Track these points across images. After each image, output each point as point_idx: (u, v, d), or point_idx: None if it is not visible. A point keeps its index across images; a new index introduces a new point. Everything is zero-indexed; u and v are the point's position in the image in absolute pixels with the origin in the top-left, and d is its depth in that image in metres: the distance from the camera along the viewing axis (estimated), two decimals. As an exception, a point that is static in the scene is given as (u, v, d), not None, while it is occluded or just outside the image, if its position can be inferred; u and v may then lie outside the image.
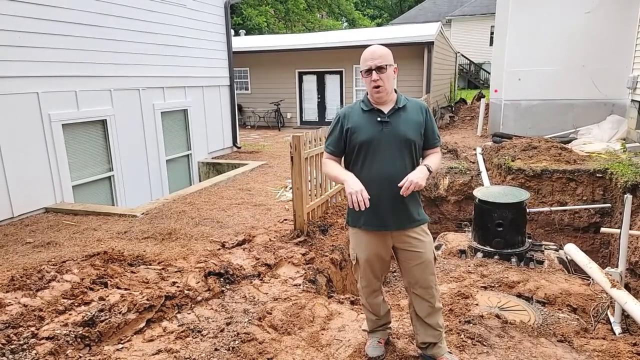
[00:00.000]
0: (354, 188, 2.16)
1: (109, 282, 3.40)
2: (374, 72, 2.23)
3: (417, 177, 2.17)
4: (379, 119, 2.30)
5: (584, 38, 9.38)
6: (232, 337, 2.83)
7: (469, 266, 4.52)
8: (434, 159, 2.37)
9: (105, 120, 6.89)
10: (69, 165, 6.24)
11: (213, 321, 3.03)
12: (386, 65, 2.24)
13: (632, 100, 8.34)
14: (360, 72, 2.33)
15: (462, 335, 2.80)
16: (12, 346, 2.56)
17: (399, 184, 2.17)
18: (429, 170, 2.25)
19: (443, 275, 4.31)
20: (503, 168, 7.33)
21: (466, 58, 24.59)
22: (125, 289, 3.32)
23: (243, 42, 15.64)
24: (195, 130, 9.16)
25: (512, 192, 5.13)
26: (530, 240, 5.07)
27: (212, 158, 9.69)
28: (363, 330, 2.78)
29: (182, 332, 2.88)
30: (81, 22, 6.34)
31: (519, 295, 3.81)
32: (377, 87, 2.25)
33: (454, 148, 9.09)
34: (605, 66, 9.32)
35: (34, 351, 2.54)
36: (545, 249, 5.04)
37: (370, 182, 2.29)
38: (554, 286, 3.96)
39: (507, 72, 10.24)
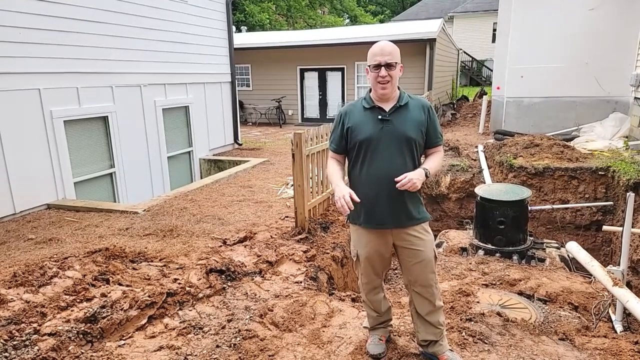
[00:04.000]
0: (339, 194, 2.20)
1: (110, 278, 3.41)
2: (382, 68, 2.21)
3: (415, 177, 2.16)
4: (379, 117, 2.29)
5: (587, 35, 9.32)
6: (233, 333, 2.84)
7: (470, 264, 4.52)
8: (434, 161, 2.35)
9: (107, 116, 6.89)
10: (70, 161, 6.25)
11: (214, 318, 3.04)
12: (395, 63, 2.23)
13: (635, 98, 8.29)
14: (368, 66, 2.30)
15: (464, 333, 2.80)
16: (15, 342, 2.57)
17: (396, 178, 2.17)
18: (426, 174, 2.23)
19: (444, 273, 4.31)
20: (505, 166, 7.31)
21: (468, 55, 24.48)
22: (127, 286, 3.33)
23: (244, 39, 15.61)
24: (197, 127, 9.16)
25: (514, 190, 5.12)
26: (531, 238, 5.06)
27: (214, 155, 9.69)
28: (364, 327, 2.79)
29: (183, 328, 2.88)
30: (82, 19, 6.33)
31: (520, 293, 3.81)
32: (384, 83, 2.23)
33: (456, 145, 9.08)
34: (609, 64, 9.27)
35: (36, 347, 2.55)
36: (547, 246, 5.03)
37: (370, 180, 2.29)
38: (555, 284, 3.96)
39: (510, 69, 10.20)
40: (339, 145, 2.40)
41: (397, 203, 2.28)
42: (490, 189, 5.27)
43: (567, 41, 9.51)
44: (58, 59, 6.01)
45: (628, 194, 3.77)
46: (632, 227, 4.24)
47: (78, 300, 3.04)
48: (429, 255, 2.33)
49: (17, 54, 5.47)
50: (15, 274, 3.37)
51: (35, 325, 2.74)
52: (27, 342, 2.58)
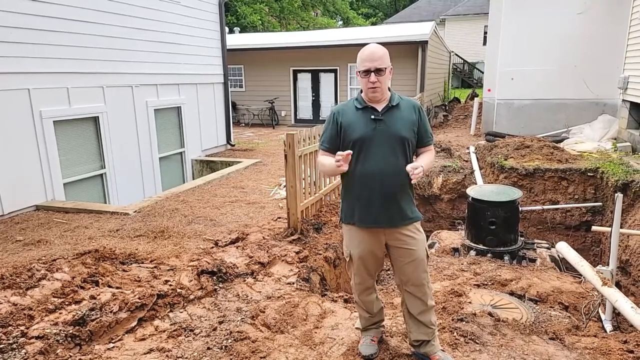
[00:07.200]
0: (335, 160, 2.18)
1: (100, 280, 3.37)
2: (372, 74, 2.22)
3: (423, 168, 2.19)
4: (372, 116, 2.30)
5: (576, 38, 9.45)
6: (224, 335, 2.82)
7: (462, 264, 4.54)
8: (427, 159, 2.39)
9: (98, 117, 6.82)
10: (60, 162, 6.17)
11: (206, 320, 3.01)
12: (385, 67, 2.24)
13: (623, 100, 8.41)
14: (358, 71, 2.30)
15: (455, 333, 2.81)
16: (1, 345, 2.53)
17: (409, 167, 2.17)
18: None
19: (436, 273, 4.32)
20: (496, 167, 7.37)
21: (460, 57, 24.66)
22: (117, 288, 3.29)
23: (237, 40, 15.57)
24: (189, 128, 9.11)
25: (505, 191, 5.16)
26: (522, 239, 5.10)
27: (206, 156, 9.64)
28: (356, 328, 2.78)
29: (174, 331, 2.86)
30: (74, 18, 6.27)
31: (512, 293, 3.84)
32: (374, 88, 2.25)
33: (448, 147, 9.13)
34: (597, 66, 9.40)
35: (24, 350, 2.51)
36: (538, 247, 5.07)
37: (363, 180, 2.29)
38: (546, 284, 3.99)
39: (500, 71, 10.29)
40: (332, 144, 2.39)
41: (390, 202, 2.29)
42: (481, 189, 5.30)
43: (556, 44, 9.62)
44: (48, 59, 5.94)
45: (616, 194, 3.82)
46: (621, 227, 4.29)
47: (67, 303, 3.00)
48: (421, 254, 2.34)
49: (6, 54, 5.40)
50: (2, 276, 3.32)
51: (22, 328, 2.69)
52: (14, 346, 2.54)
